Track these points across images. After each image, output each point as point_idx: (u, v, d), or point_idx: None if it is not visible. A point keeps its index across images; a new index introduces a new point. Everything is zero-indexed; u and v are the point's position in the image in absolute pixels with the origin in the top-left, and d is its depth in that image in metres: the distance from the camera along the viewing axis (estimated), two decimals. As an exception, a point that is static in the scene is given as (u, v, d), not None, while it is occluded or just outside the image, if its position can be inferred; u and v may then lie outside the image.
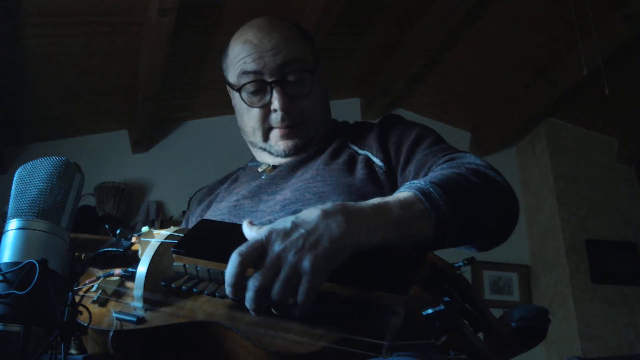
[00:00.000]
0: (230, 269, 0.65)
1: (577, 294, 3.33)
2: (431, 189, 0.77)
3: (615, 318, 3.31)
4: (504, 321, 0.66)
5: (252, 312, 0.66)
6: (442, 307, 0.60)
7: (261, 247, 0.66)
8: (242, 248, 0.66)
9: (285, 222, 0.68)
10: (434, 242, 0.76)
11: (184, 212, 3.32)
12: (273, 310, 0.66)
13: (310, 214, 0.69)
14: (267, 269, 0.65)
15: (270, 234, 0.67)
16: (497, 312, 0.66)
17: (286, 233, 0.67)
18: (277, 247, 0.66)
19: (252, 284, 0.64)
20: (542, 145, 3.75)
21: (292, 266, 0.64)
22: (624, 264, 3.46)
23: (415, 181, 0.81)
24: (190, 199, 3.25)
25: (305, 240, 0.66)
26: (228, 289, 0.66)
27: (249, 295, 0.65)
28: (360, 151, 1.08)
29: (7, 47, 2.61)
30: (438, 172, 0.86)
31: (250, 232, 0.73)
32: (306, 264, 0.64)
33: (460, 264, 0.71)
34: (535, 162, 3.81)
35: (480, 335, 0.68)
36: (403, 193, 0.77)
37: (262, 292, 0.64)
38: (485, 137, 3.88)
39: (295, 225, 0.67)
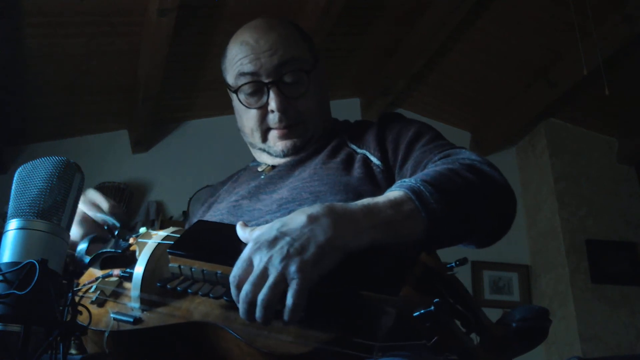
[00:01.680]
0: (232, 292, 0.66)
1: (577, 294, 3.33)
2: (422, 187, 0.75)
3: (615, 318, 3.31)
4: (503, 322, 0.66)
5: (247, 321, 0.66)
6: (433, 308, 0.60)
7: (250, 263, 0.66)
8: (234, 271, 0.66)
9: (271, 231, 0.68)
10: (427, 242, 0.74)
11: (184, 212, 3.32)
12: (259, 321, 0.65)
13: (296, 219, 0.69)
14: (255, 278, 0.64)
15: (255, 245, 0.67)
16: (497, 312, 0.66)
17: (270, 242, 0.67)
18: (263, 257, 0.65)
19: (242, 296, 0.64)
20: (542, 145, 3.75)
21: (279, 272, 0.64)
22: (624, 264, 3.46)
23: (406, 179, 0.79)
24: (191, 199, 3.25)
25: (290, 247, 0.65)
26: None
27: (241, 307, 0.65)
28: (359, 150, 1.08)
29: (7, 47, 2.61)
30: (431, 169, 0.85)
31: (244, 234, 0.73)
32: (293, 268, 0.64)
33: (453, 264, 0.70)
34: (535, 162, 3.81)
35: (474, 336, 0.67)
36: (393, 192, 0.76)
37: (254, 303, 0.64)
38: (485, 137, 3.88)
39: (280, 234, 0.67)
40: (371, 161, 1.04)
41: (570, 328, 3.28)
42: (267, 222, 0.92)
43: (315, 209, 0.70)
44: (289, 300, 0.63)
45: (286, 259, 0.64)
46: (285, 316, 0.63)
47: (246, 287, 0.64)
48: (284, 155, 1.11)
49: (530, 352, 0.67)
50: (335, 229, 0.67)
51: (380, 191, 0.95)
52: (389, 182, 1.00)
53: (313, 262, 0.65)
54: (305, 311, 0.64)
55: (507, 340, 0.65)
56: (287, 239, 0.66)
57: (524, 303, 3.52)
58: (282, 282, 0.64)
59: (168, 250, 0.76)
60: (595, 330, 3.25)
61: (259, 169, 1.16)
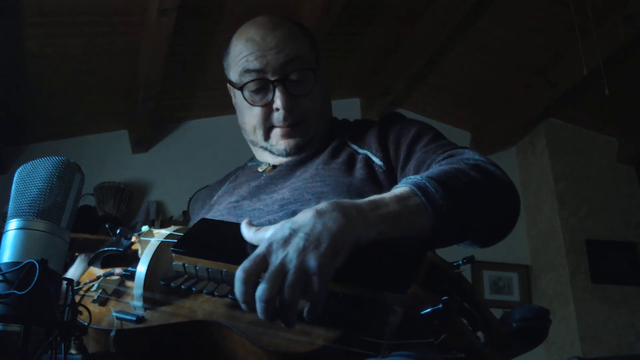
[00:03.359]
0: (238, 288, 0.64)
1: (577, 294, 3.33)
2: (427, 184, 0.76)
3: (615, 318, 3.31)
4: (504, 321, 0.66)
5: (265, 320, 0.64)
6: (441, 306, 0.60)
7: (264, 260, 0.65)
8: (245, 264, 0.65)
9: (283, 229, 0.68)
10: (433, 237, 0.75)
11: (184, 212, 3.32)
12: (282, 324, 0.64)
13: (305, 216, 0.69)
14: (273, 276, 0.63)
15: (270, 244, 0.66)
16: (497, 312, 0.66)
17: (286, 240, 0.66)
18: (280, 254, 0.65)
19: (261, 295, 0.62)
20: (542, 145, 3.75)
21: (298, 268, 0.63)
22: (624, 264, 3.46)
23: (411, 176, 0.80)
24: (191, 199, 3.25)
25: (305, 242, 0.65)
26: (243, 306, 0.65)
27: (260, 306, 0.62)
28: (360, 150, 1.08)
29: (7, 47, 2.61)
30: (436, 167, 0.86)
31: (249, 233, 0.73)
32: (312, 263, 0.63)
33: (460, 262, 0.70)
34: (535, 162, 3.81)
35: (480, 334, 0.67)
36: (399, 188, 0.77)
37: (272, 301, 0.62)
38: (485, 137, 3.88)
39: (293, 231, 0.67)
40: (373, 162, 1.04)
41: (570, 328, 3.28)
42: (269, 222, 0.93)
43: (322, 204, 0.70)
44: (313, 296, 0.62)
45: (303, 252, 0.64)
46: (306, 313, 0.63)
47: (263, 286, 0.62)
48: (287, 155, 1.11)
49: (530, 352, 0.67)
50: (345, 221, 0.67)
51: (383, 192, 0.95)
52: (391, 183, 1.00)
53: (330, 255, 0.64)
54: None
55: (507, 339, 0.65)
56: (301, 234, 0.66)
57: (524, 303, 3.52)
58: (302, 279, 0.63)
59: (172, 248, 0.76)
60: (595, 330, 3.25)
61: (259, 169, 1.15)
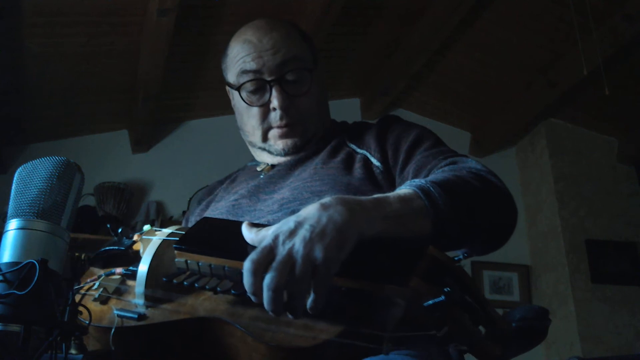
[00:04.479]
0: (247, 279, 0.64)
1: (577, 294, 3.33)
2: (431, 188, 0.78)
3: (615, 318, 3.31)
4: (504, 321, 0.66)
5: (271, 313, 0.65)
6: (443, 298, 0.60)
7: (271, 252, 0.66)
8: (253, 255, 0.65)
9: (288, 222, 0.68)
10: (432, 241, 0.75)
11: (184, 212, 3.32)
12: (289, 315, 0.65)
13: (310, 209, 0.70)
14: (281, 265, 0.64)
15: (276, 236, 0.67)
16: (497, 313, 0.66)
17: (292, 232, 0.67)
18: (287, 245, 0.65)
19: (269, 284, 0.63)
20: (542, 145, 3.75)
21: (305, 258, 0.64)
22: (624, 264, 3.46)
23: (415, 180, 0.82)
24: (191, 199, 3.25)
25: (311, 233, 0.66)
26: (253, 298, 0.65)
27: (268, 295, 0.63)
28: (359, 150, 1.08)
29: (7, 47, 2.61)
30: (439, 174, 0.87)
31: (250, 234, 0.73)
32: (319, 254, 0.64)
33: (460, 257, 0.71)
34: (535, 162, 3.81)
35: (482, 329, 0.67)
36: (403, 190, 0.79)
37: (280, 291, 0.63)
38: (485, 137, 3.88)
39: (298, 223, 0.68)
40: (372, 162, 1.05)
41: (570, 328, 3.28)
42: (268, 222, 0.93)
43: (326, 199, 0.71)
44: (317, 286, 0.63)
45: (310, 243, 0.65)
46: (309, 304, 0.63)
47: (271, 274, 0.63)
48: (285, 154, 1.12)
49: (530, 351, 0.67)
50: (350, 214, 0.68)
51: (381, 192, 0.96)
52: (389, 184, 1.01)
53: (336, 246, 0.65)
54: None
55: (507, 333, 0.65)
56: (307, 226, 0.67)
57: (524, 303, 3.52)
58: (310, 268, 0.64)
59: (174, 245, 0.76)
60: (595, 330, 3.25)
61: (258, 169, 1.16)
